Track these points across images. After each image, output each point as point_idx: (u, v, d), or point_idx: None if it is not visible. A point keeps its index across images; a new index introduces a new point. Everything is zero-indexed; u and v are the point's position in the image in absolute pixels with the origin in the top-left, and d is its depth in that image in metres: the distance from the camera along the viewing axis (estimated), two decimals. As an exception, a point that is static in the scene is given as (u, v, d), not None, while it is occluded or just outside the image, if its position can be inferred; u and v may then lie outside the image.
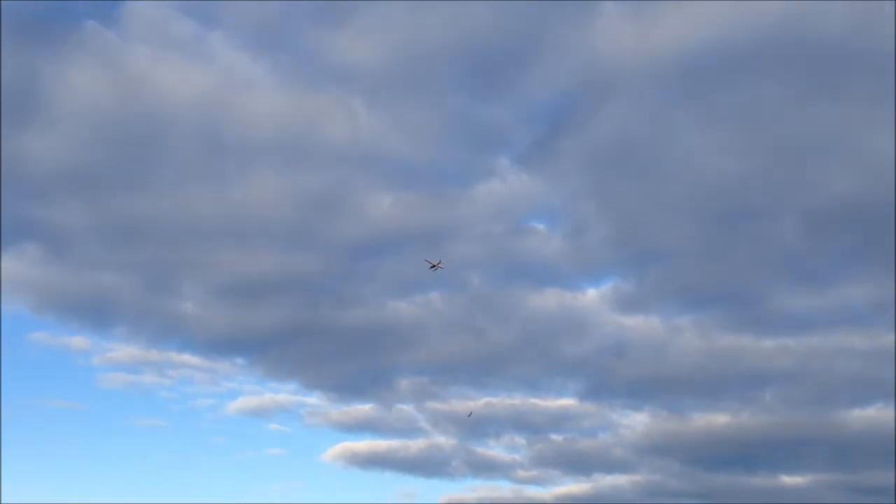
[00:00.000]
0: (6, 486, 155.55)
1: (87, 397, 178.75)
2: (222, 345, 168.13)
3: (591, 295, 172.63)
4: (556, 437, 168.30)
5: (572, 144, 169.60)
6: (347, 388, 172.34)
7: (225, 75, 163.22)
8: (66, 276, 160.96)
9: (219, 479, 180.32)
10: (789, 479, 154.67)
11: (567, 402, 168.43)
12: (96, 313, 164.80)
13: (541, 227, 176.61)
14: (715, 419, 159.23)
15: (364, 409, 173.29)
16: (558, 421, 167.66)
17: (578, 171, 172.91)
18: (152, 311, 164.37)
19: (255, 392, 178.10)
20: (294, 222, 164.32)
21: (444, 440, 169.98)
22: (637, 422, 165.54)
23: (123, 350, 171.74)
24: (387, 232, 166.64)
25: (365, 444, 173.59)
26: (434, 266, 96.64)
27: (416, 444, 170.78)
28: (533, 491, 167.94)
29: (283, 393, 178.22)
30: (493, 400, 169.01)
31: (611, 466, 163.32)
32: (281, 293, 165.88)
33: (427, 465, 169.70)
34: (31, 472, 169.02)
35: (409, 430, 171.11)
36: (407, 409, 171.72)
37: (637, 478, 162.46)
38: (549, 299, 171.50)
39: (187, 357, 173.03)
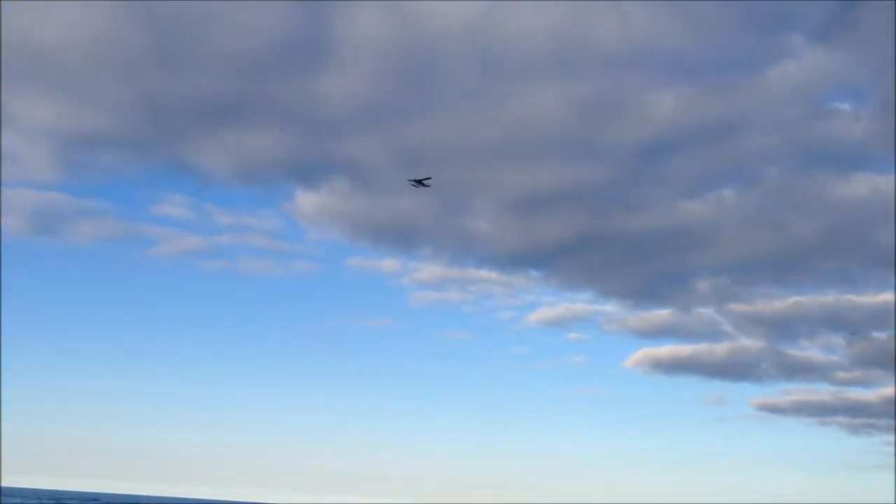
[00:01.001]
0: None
1: (400, 314, 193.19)
2: (517, 259, 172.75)
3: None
4: (880, 335, 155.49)
5: (877, 9, 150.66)
6: (643, 294, 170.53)
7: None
8: (373, 205, 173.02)
9: (523, 386, 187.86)
10: None
11: (889, 296, 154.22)
12: (402, 237, 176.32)
13: (845, 106, 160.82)
14: None
15: (662, 314, 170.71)
16: (880, 317, 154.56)
17: (887, 39, 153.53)
18: (450, 231, 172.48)
19: (552, 303, 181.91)
20: (575, 132, 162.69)
21: (750, 342, 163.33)
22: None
23: (428, 269, 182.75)
24: (671, 131, 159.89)
25: (666, 349, 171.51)
26: (419, 183, 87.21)
27: (720, 348, 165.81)
28: (856, 393, 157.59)
29: (580, 302, 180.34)
30: (802, 298, 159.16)
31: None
32: (568, 204, 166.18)
33: (734, 369, 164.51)
34: (353, 386, 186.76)
35: (712, 334, 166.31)
36: (707, 312, 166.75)
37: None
38: (859, 185, 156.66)
39: (485, 273, 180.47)
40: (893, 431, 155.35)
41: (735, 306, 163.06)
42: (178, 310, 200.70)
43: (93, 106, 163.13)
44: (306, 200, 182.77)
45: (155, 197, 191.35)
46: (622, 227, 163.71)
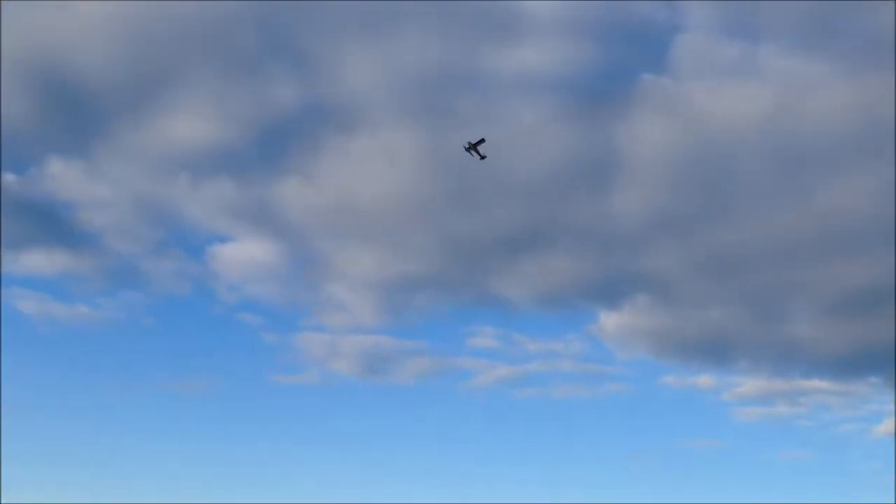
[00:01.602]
0: None
1: (724, 433, 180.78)
2: (850, 364, 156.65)
3: None
4: None
5: None
6: None
7: (782, 85, 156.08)
8: (678, 318, 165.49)
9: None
10: None
11: None
12: (715, 350, 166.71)
13: None
14: None
15: None
16: None
17: None
18: (768, 339, 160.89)
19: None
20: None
21: None
22: None
23: (750, 383, 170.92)
24: None
25: None
26: (474, 147, 62.88)
27: None
28: None
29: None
30: None
31: None
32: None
33: None
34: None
35: None
36: None
37: None
38: None
39: (816, 382, 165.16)
40: None
41: None
42: (496, 438, 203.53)
43: (405, 252, 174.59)
44: (609, 321, 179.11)
45: (466, 331, 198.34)
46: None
